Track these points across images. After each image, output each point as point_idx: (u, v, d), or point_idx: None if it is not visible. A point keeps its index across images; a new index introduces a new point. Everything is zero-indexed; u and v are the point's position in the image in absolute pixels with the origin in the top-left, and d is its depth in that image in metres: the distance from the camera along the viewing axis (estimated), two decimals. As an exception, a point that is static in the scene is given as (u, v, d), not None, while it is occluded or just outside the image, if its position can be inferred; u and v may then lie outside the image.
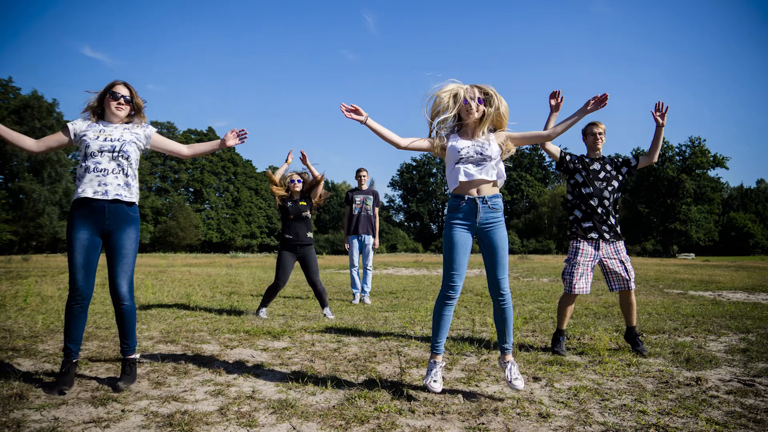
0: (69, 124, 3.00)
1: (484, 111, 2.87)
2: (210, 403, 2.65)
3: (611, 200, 3.88)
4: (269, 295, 5.58)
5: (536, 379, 3.18)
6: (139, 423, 2.35)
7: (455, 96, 2.87)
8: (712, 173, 62.10)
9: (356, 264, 7.14)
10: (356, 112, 2.86)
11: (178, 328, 4.71)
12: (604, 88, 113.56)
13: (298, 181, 5.65)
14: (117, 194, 2.90)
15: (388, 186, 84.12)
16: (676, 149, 61.59)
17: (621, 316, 5.73)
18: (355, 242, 7.13)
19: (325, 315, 5.61)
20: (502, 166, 2.94)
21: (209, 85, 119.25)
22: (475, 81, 2.93)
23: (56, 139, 2.99)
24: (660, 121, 3.84)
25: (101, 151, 2.90)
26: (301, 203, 5.62)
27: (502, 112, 2.90)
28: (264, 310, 5.59)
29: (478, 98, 2.86)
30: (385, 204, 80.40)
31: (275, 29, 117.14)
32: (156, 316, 5.47)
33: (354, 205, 7.12)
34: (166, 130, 69.24)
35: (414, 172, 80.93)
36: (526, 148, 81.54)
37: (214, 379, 3.09)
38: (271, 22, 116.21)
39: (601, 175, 3.88)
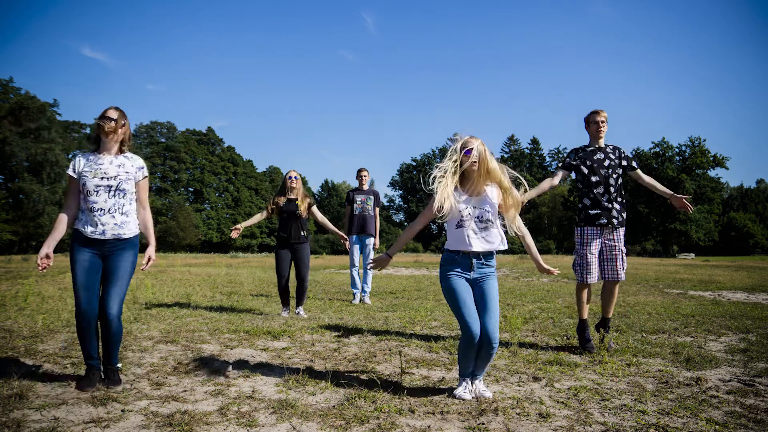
0: (69, 171, 3.00)
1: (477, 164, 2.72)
2: (210, 403, 2.65)
3: (616, 186, 3.98)
4: (282, 294, 5.74)
5: (536, 379, 3.18)
6: (139, 423, 2.35)
7: (459, 147, 2.76)
8: (712, 173, 62.07)
9: (356, 264, 7.14)
10: (379, 263, 2.98)
11: (178, 328, 4.71)
12: (604, 88, 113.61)
13: (295, 177, 5.81)
14: (114, 234, 2.95)
15: (388, 186, 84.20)
16: (676, 149, 61.58)
17: (620, 317, 5.74)
18: (356, 242, 7.13)
19: (297, 313, 5.71)
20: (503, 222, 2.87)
21: (209, 85, 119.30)
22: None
23: (74, 189, 2.99)
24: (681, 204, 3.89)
25: (97, 190, 2.93)
26: (297, 202, 5.73)
27: (490, 169, 2.74)
28: (286, 309, 5.73)
29: (469, 149, 2.71)
30: (385, 204, 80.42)
31: (275, 29, 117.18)
32: (156, 316, 5.47)
33: (355, 205, 7.12)
34: (166, 129, 69.27)
35: (414, 172, 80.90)
36: (526, 148, 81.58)
37: (214, 379, 3.09)
38: (271, 22, 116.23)
39: (606, 162, 3.99)
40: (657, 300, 7.60)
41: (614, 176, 3.97)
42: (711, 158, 59.02)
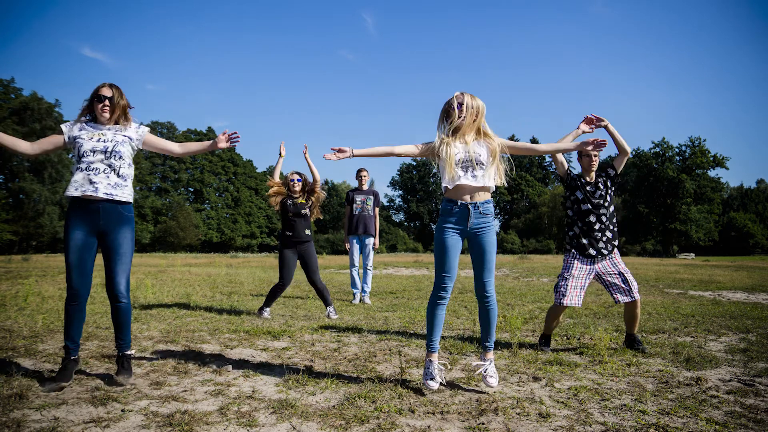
0: (63, 126, 3.04)
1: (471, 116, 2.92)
2: (210, 403, 2.65)
3: (608, 215, 3.97)
4: (273, 294, 5.59)
5: (536, 379, 3.18)
6: (139, 423, 2.35)
7: (448, 102, 2.97)
8: (712, 173, 62.10)
9: (356, 264, 7.14)
10: (340, 151, 2.98)
11: (178, 328, 4.71)
12: (604, 88, 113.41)
13: (298, 180, 5.72)
14: (107, 193, 2.93)
15: (388, 186, 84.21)
16: (676, 149, 61.57)
17: (620, 316, 5.74)
18: (356, 242, 7.13)
19: (327, 315, 5.59)
20: (498, 169, 2.98)
21: (208, 85, 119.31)
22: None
23: (51, 141, 3.03)
24: (593, 128, 3.74)
25: (93, 151, 2.95)
26: (299, 201, 5.66)
27: (475, 118, 2.94)
28: (267, 310, 5.61)
29: (460, 103, 2.92)
30: (385, 204, 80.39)
31: (274, 29, 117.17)
32: (156, 316, 5.47)
33: (354, 205, 7.12)
34: (167, 129, 69.24)
35: (414, 172, 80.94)
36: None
37: (214, 379, 3.09)
38: (271, 22, 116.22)
39: (597, 194, 3.99)
40: (657, 300, 7.60)
41: (605, 205, 3.95)
42: (711, 158, 59.03)
